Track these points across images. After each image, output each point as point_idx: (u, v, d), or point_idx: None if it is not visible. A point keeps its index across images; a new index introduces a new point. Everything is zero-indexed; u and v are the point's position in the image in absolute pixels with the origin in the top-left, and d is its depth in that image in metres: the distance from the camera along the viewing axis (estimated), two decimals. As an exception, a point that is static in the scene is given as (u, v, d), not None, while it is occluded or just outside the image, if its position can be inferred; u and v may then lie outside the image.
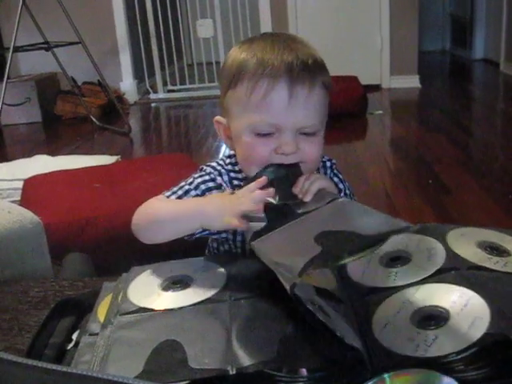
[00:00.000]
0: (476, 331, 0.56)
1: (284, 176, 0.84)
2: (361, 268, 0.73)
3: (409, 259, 0.74)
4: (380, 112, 4.41)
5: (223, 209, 0.80)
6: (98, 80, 4.48)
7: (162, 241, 0.87)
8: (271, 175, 0.84)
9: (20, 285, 0.88)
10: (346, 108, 3.89)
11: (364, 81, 4.46)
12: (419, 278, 0.69)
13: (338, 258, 0.64)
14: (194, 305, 0.69)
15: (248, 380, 0.56)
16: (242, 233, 0.94)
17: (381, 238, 0.65)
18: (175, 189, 0.93)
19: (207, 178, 0.94)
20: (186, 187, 0.93)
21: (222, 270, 0.77)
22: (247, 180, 0.87)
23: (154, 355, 0.59)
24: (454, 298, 0.62)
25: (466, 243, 0.75)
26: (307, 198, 0.80)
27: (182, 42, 5.66)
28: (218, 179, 0.94)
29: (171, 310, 0.68)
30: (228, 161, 0.98)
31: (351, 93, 4.12)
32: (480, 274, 0.68)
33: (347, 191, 1.02)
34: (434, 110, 4.51)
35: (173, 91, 5.52)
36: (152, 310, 0.69)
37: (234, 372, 0.55)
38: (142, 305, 0.70)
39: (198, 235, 0.91)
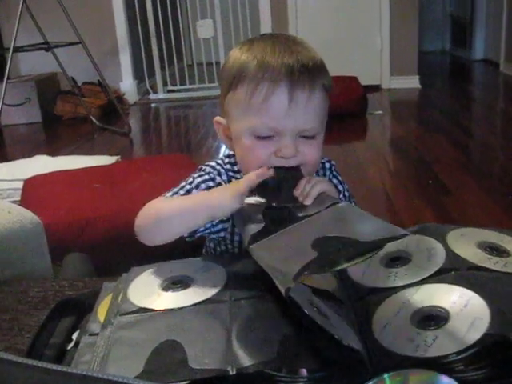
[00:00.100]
0: (476, 331, 0.56)
1: (284, 178, 0.84)
2: (361, 268, 0.73)
3: (409, 259, 0.74)
4: (380, 112, 4.41)
5: (226, 192, 0.82)
6: (98, 80, 4.48)
7: (166, 240, 0.87)
8: (271, 178, 0.84)
9: (20, 285, 0.88)
10: (346, 108, 3.89)
11: (364, 81, 4.46)
12: (419, 279, 0.69)
13: (334, 264, 0.64)
14: (194, 305, 0.69)
15: (248, 380, 0.56)
16: (240, 232, 0.95)
17: (378, 245, 0.65)
18: (176, 189, 0.93)
19: (207, 177, 0.94)
20: (187, 187, 0.93)
21: (222, 270, 0.77)
22: None
23: (154, 355, 0.59)
24: (453, 298, 0.63)
25: (466, 243, 0.75)
26: (308, 202, 0.80)
27: (182, 42, 5.66)
28: (217, 179, 0.94)
29: (171, 310, 0.68)
30: (227, 160, 0.98)
31: (351, 93, 4.12)
32: (480, 274, 0.68)
33: (346, 193, 1.02)
34: (434, 111, 4.51)
35: (173, 91, 5.52)
36: (152, 310, 0.69)
37: (234, 372, 0.55)
38: (142, 305, 0.70)
39: (199, 234, 0.91)
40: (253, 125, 0.85)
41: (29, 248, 1.09)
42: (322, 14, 5.18)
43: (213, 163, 0.98)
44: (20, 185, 2.03)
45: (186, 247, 1.06)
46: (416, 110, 4.78)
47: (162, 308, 0.69)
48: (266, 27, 5.22)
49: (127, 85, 5.25)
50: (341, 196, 1.00)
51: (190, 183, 0.94)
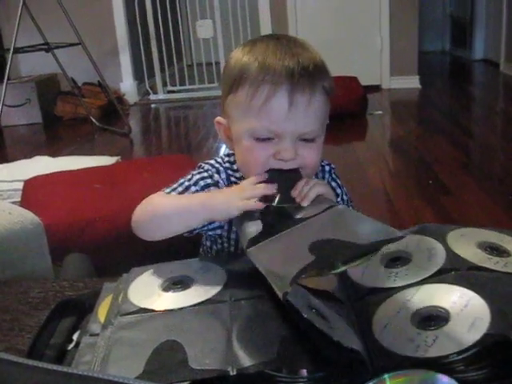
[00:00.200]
0: (476, 332, 0.56)
1: (283, 180, 0.85)
2: (360, 268, 0.73)
3: (409, 259, 0.74)
4: (380, 112, 4.41)
5: (227, 199, 0.83)
6: (98, 81, 4.49)
7: (162, 237, 0.88)
8: (271, 179, 0.85)
9: (20, 285, 0.88)
10: (346, 108, 3.89)
11: (364, 81, 4.46)
12: (419, 279, 0.69)
13: (331, 267, 0.64)
14: (195, 305, 0.69)
15: (248, 380, 0.56)
16: (237, 231, 0.95)
17: (375, 248, 0.65)
18: (175, 185, 0.94)
19: (205, 174, 0.95)
20: (186, 183, 0.94)
21: (223, 270, 0.77)
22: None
23: (155, 356, 0.59)
24: (454, 298, 0.63)
25: (466, 244, 0.75)
26: (305, 203, 0.80)
27: (182, 42, 5.66)
28: (216, 176, 0.95)
29: (171, 310, 0.68)
30: (226, 159, 0.99)
31: (351, 93, 4.12)
32: (480, 274, 0.68)
33: (344, 197, 1.03)
34: (434, 111, 4.51)
35: (173, 92, 5.52)
36: (152, 310, 0.69)
37: (235, 373, 0.55)
38: (143, 305, 0.70)
39: (197, 231, 0.92)
40: (253, 127, 0.85)
41: (29, 248, 1.09)
42: (321, 14, 5.18)
43: (212, 161, 0.99)
44: (20, 185, 2.03)
45: (184, 244, 1.06)
46: (416, 110, 4.78)
47: (162, 308, 0.69)
48: (265, 28, 5.22)
49: (127, 85, 5.25)
50: (339, 199, 1.00)
51: (189, 180, 0.94)
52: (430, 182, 2.79)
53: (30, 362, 0.50)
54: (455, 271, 0.69)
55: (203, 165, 0.98)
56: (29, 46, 3.92)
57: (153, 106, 5.29)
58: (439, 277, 0.68)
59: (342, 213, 0.77)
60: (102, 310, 0.72)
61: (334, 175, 1.03)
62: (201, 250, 1.06)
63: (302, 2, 5.19)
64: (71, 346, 0.69)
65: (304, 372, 0.57)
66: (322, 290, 0.67)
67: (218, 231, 0.96)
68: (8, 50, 3.71)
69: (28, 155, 3.06)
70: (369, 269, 0.74)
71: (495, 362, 0.56)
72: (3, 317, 0.79)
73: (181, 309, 0.68)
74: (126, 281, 0.77)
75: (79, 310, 0.76)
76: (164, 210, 0.88)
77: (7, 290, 0.87)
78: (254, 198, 0.81)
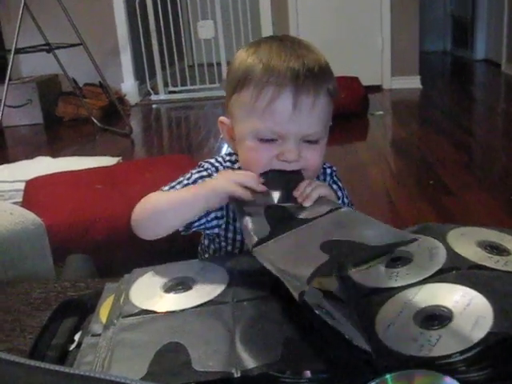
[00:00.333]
0: (480, 330, 0.56)
1: (285, 180, 0.85)
2: (362, 269, 0.73)
3: (410, 259, 0.74)
4: (381, 113, 4.40)
5: (217, 179, 0.86)
6: (100, 81, 4.49)
7: (162, 234, 0.89)
8: (273, 181, 0.85)
9: (22, 286, 0.88)
10: (348, 109, 3.89)
11: (365, 81, 4.46)
12: (421, 278, 0.69)
13: (342, 268, 0.64)
14: (197, 307, 0.69)
15: (252, 382, 0.55)
16: (234, 229, 0.96)
17: (387, 250, 0.65)
18: (173, 183, 0.95)
19: (204, 173, 0.95)
20: (185, 182, 0.94)
21: (224, 271, 0.77)
22: None
23: (158, 357, 0.59)
24: (456, 297, 0.63)
25: (467, 243, 0.75)
26: (307, 204, 0.80)
27: (183, 43, 5.67)
28: (215, 175, 0.95)
29: (173, 312, 0.68)
30: (227, 158, 0.99)
31: (352, 93, 4.11)
32: (481, 273, 0.68)
33: (345, 199, 1.03)
34: (435, 111, 4.51)
35: (174, 92, 5.52)
36: (154, 312, 0.69)
37: (239, 375, 0.55)
38: (144, 307, 0.70)
39: (194, 228, 0.93)
40: (256, 128, 0.85)
41: (31, 249, 1.09)
42: (323, 15, 5.18)
43: (212, 160, 0.99)
44: (22, 186, 2.03)
45: (186, 245, 1.07)
46: (417, 111, 4.78)
47: (164, 310, 0.69)
48: (266, 28, 5.22)
49: (128, 86, 5.25)
50: (339, 202, 1.00)
51: (188, 178, 0.95)
52: (432, 182, 2.79)
53: (32, 363, 0.50)
54: (456, 270, 0.69)
55: (203, 163, 0.98)
56: (30, 47, 3.92)
57: (154, 106, 5.29)
58: (440, 276, 0.68)
59: (349, 215, 0.76)
60: (104, 311, 0.72)
61: (335, 178, 1.03)
62: (199, 248, 1.07)
63: (303, 3, 5.19)
64: (73, 346, 0.69)
65: (308, 373, 0.56)
66: (328, 292, 0.67)
67: (216, 230, 0.97)
68: (9, 50, 3.72)
69: (29, 156, 3.06)
70: (370, 269, 0.74)
71: (497, 363, 0.56)
72: (5, 317, 0.79)
73: (183, 310, 0.68)
74: (128, 281, 0.77)
75: (81, 310, 0.76)
76: (161, 206, 0.88)
77: (9, 291, 0.87)
78: (242, 184, 0.82)
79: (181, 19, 5.41)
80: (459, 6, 7.52)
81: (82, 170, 2.14)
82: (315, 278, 0.61)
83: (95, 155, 3.19)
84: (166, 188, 0.94)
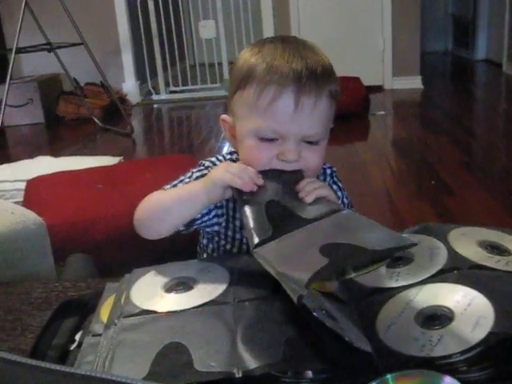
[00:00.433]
0: (481, 330, 0.56)
1: (286, 178, 0.85)
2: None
3: (411, 259, 0.74)
4: (382, 113, 4.40)
5: (216, 170, 0.86)
6: (101, 81, 4.49)
7: (164, 232, 0.89)
8: (273, 178, 0.84)
9: (23, 286, 0.88)
10: (349, 109, 3.89)
11: (366, 82, 4.46)
12: (422, 278, 0.69)
13: (343, 273, 0.64)
14: (198, 307, 0.69)
15: (253, 382, 0.55)
16: (234, 227, 0.97)
17: (388, 254, 0.65)
18: (175, 182, 0.95)
19: (206, 171, 0.95)
20: (186, 180, 0.95)
21: (225, 271, 0.77)
22: None
23: (160, 358, 0.59)
24: (457, 297, 0.63)
25: (467, 242, 0.75)
26: (309, 200, 0.80)
27: (185, 42, 5.67)
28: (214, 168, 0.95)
29: (174, 312, 0.68)
30: (228, 157, 1.00)
31: (353, 94, 4.11)
32: (482, 273, 0.68)
33: (345, 200, 1.03)
34: (437, 111, 4.51)
35: (175, 92, 5.52)
36: (155, 312, 0.69)
37: (241, 375, 0.55)
38: (145, 307, 0.70)
39: (196, 226, 0.93)
40: (258, 126, 0.86)
41: (32, 249, 1.09)
42: (324, 15, 5.18)
43: (213, 158, 0.99)
44: (23, 185, 2.03)
45: (187, 245, 1.07)
46: (418, 111, 4.77)
47: (164, 310, 0.69)
48: (268, 28, 5.22)
49: (129, 85, 5.25)
50: (339, 203, 1.00)
51: (189, 177, 0.96)
52: (433, 182, 2.79)
53: (33, 362, 0.50)
54: (457, 270, 0.69)
55: (204, 162, 0.99)
56: (31, 46, 3.92)
57: (155, 106, 5.29)
58: (441, 276, 0.68)
59: (350, 218, 0.76)
60: (105, 311, 0.72)
61: (335, 178, 1.03)
62: (198, 248, 1.07)
63: (305, 3, 5.18)
64: (74, 346, 0.69)
65: (309, 373, 0.56)
66: (328, 294, 0.67)
67: (216, 228, 0.97)
68: (10, 49, 3.72)
69: (30, 155, 3.06)
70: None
71: (498, 363, 0.56)
72: (6, 317, 0.79)
73: (184, 310, 0.68)
74: (129, 281, 0.77)
75: (82, 310, 0.76)
76: (163, 204, 0.89)
77: (10, 291, 0.87)
78: (239, 174, 0.82)
79: (182, 19, 5.41)
80: (460, 6, 7.51)
81: (82, 170, 2.14)
82: (318, 282, 0.61)
83: (96, 155, 3.19)
84: (168, 187, 0.94)
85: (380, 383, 0.54)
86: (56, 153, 3.37)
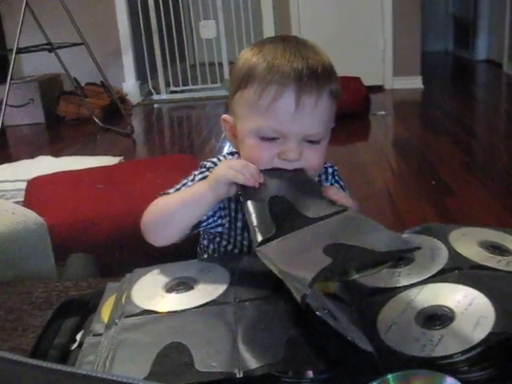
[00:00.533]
0: (481, 330, 0.56)
1: (289, 177, 0.85)
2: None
3: (412, 259, 0.74)
4: (383, 113, 4.40)
5: (219, 167, 0.86)
6: (101, 81, 4.49)
7: (172, 237, 0.89)
8: (275, 176, 0.85)
9: (24, 285, 0.88)
10: (349, 109, 3.88)
11: (367, 82, 4.45)
12: (422, 278, 0.69)
13: (345, 273, 0.64)
14: (199, 307, 0.69)
15: (254, 382, 0.56)
16: (236, 228, 0.96)
17: (391, 257, 0.65)
18: (178, 186, 0.95)
19: (207, 173, 0.95)
20: (189, 183, 0.95)
21: (226, 271, 0.77)
22: None
23: (161, 358, 0.59)
24: (458, 297, 0.63)
25: (468, 243, 0.75)
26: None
27: (185, 42, 5.66)
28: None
29: (175, 312, 0.68)
30: (229, 157, 1.00)
31: (354, 94, 4.11)
32: (483, 273, 0.68)
33: None
34: (437, 111, 4.51)
35: (175, 92, 5.51)
36: (156, 312, 0.69)
37: (242, 375, 0.55)
38: (146, 307, 0.70)
39: (201, 228, 0.94)
40: (258, 126, 0.86)
41: (32, 248, 1.09)
42: (324, 15, 5.18)
43: (214, 159, 0.99)
44: (23, 185, 2.03)
45: (188, 245, 1.07)
46: (419, 111, 4.77)
47: (165, 310, 0.69)
48: (268, 28, 5.22)
49: (130, 85, 5.25)
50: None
51: (192, 180, 0.96)
52: (433, 182, 2.79)
53: (34, 362, 0.50)
54: (458, 270, 0.69)
55: (205, 163, 0.98)
56: (32, 46, 3.92)
57: (155, 106, 5.29)
58: (442, 276, 0.68)
59: (355, 219, 0.76)
60: (106, 310, 0.72)
61: (336, 177, 1.03)
62: (198, 248, 1.07)
63: (305, 3, 5.18)
64: (75, 345, 0.69)
65: (310, 373, 0.57)
66: (330, 294, 0.67)
67: (219, 229, 0.97)
68: (11, 50, 3.72)
69: (31, 155, 3.06)
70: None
71: (498, 363, 0.56)
72: (7, 317, 0.79)
73: (184, 310, 0.68)
74: (130, 281, 0.77)
75: (82, 309, 0.76)
76: (170, 207, 0.89)
77: (11, 290, 0.87)
78: (241, 170, 0.82)
79: (182, 19, 5.41)
80: (461, 7, 7.51)
81: (83, 170, 2.14)
82: (321, 281, 0.61)
83: (97, 155, 3.19)
84: (171, 191, 0.94)
85: (381, 383, 0.54)
86: (56, 153, 3.37)
